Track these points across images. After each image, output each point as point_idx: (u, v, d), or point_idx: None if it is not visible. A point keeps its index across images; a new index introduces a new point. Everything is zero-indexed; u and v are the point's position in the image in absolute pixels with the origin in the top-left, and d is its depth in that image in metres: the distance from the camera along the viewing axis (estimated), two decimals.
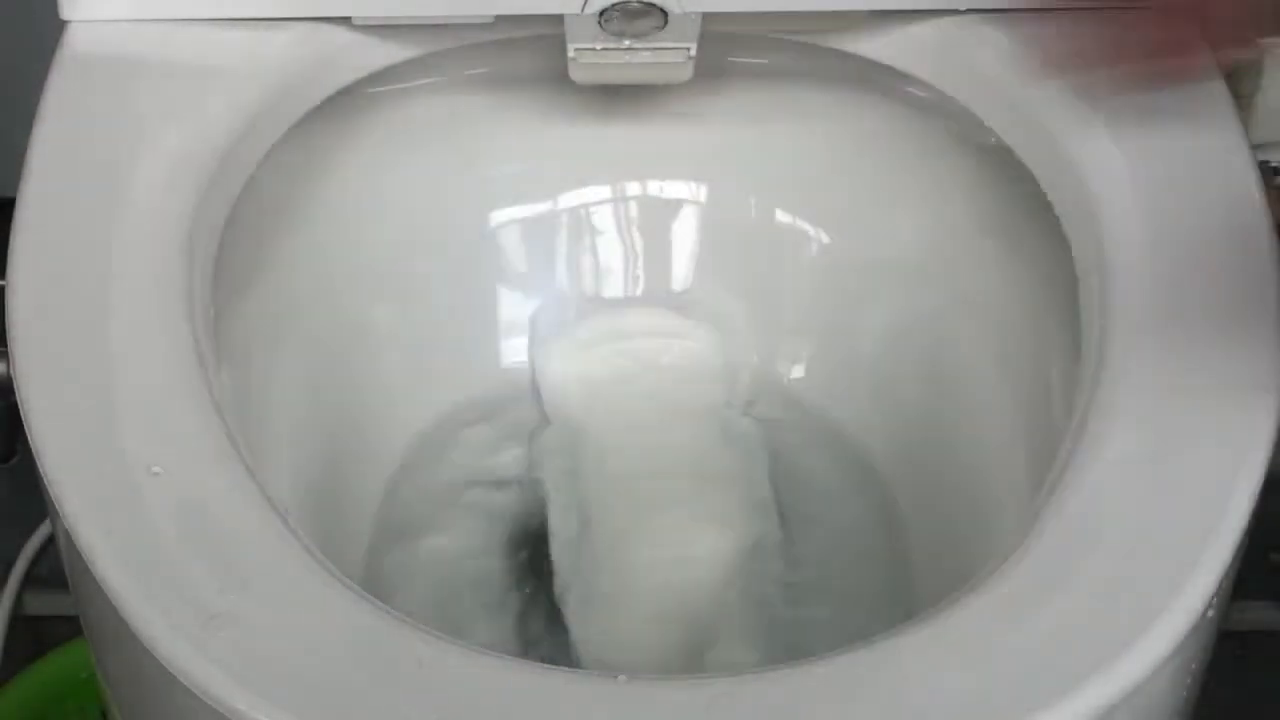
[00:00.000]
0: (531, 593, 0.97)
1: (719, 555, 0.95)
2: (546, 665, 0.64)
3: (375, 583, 0.95)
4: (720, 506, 0.98)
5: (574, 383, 1.03)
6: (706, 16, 0.89)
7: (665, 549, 0.96)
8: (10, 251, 0.76)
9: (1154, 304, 0.75)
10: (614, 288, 1.07)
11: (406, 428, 1.03)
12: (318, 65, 0.87)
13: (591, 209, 1.06)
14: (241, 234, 0.85)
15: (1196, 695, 0.74)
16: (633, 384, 1.04)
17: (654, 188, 1.06)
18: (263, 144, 0.85)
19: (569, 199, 1.06)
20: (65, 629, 1.14)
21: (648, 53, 0.90)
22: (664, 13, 0.88)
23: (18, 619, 1.23)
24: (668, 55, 0.91)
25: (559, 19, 0.89)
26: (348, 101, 0.93)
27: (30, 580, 1.24)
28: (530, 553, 0.99)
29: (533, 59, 0.97)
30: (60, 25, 0.86)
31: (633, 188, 1.06)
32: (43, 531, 1.24)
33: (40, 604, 1.25)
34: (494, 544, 0.99)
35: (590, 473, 0.99)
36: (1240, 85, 1.24)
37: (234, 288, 0.87)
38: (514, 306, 1.06)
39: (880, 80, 0.94)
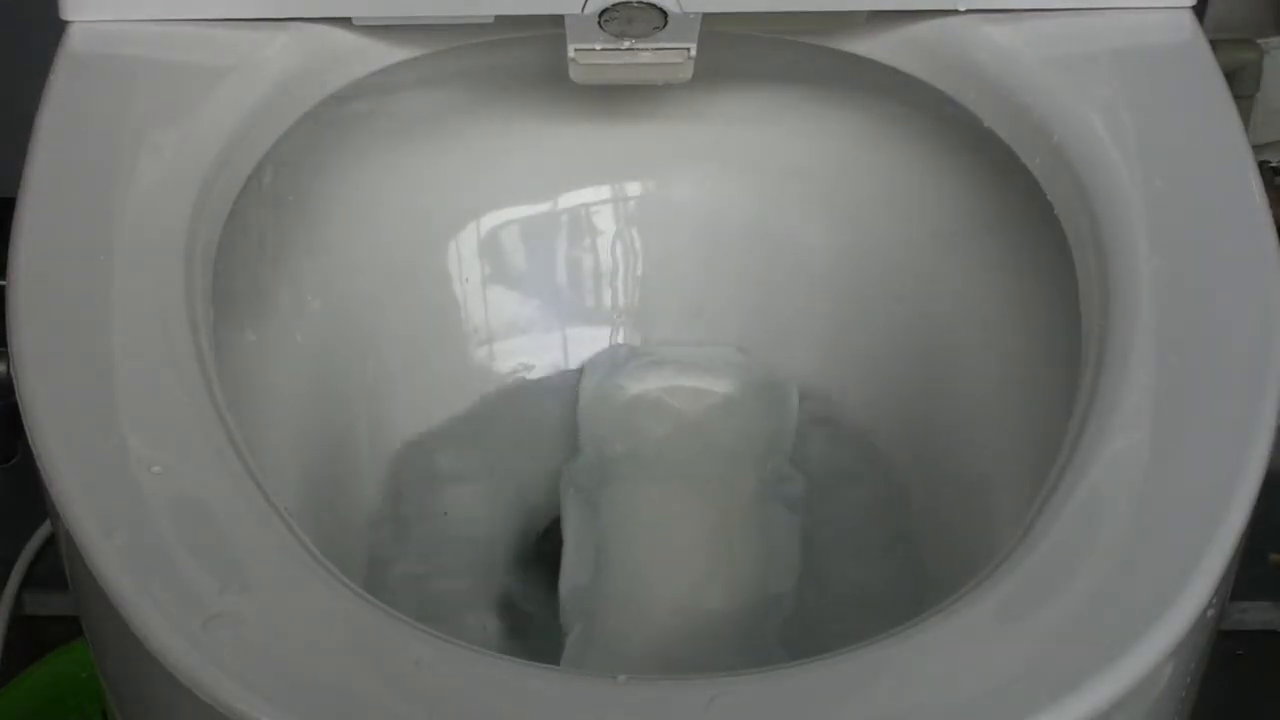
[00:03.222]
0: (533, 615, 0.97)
1: (728, 613, 0.95)
2: (545, 665, 0.64)
3: (376, 588, 0.95)
4: (740, 562, 0.97)
5: (612, 418, 1.03)
6: (706, 16, 0.89)
7: (675, 600, 0.95)
8: (10, 251, 0.76)
9: (1153, 304, 0.75)
10: (614, 289, 1.07)
11: (406, 426, 1.03)
12: (318, 65, 0.87)
13: (591, 209, 1.06)
14: (241, 233, 0.85)
15: (1196, 695, 0.74)
16: (671, 427, 1.03)
17: (654, 188, 1.06)
18: (262, 144, 0.85)
19: (569, 199, 1.06)
20: (65, 629, 1.14)
21: (648, 53, 0.90)
22: (664, 13, 0.88)
23: (18, 619, 1.23)
24: (668, 55, 0.91)
25: (559, 19, 0.89)
26: (348, 101, 0.93)
27: (30, 580, 1.24)
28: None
29: (533, 59, 0.97)
30: (60, 25, 0.86)
31: (633, 188, 1.06)
32: (43, 531, 1.24)
33: (40, 604, 1.25)
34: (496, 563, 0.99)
35: (612, 511, 0.98)
36: (1240, 85, 1.25)
37: (234, 287, 0.87)
38: (514, 306, 1.07)
39: (880, 80, 0.94)
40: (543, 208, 1.06)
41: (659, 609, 0.95)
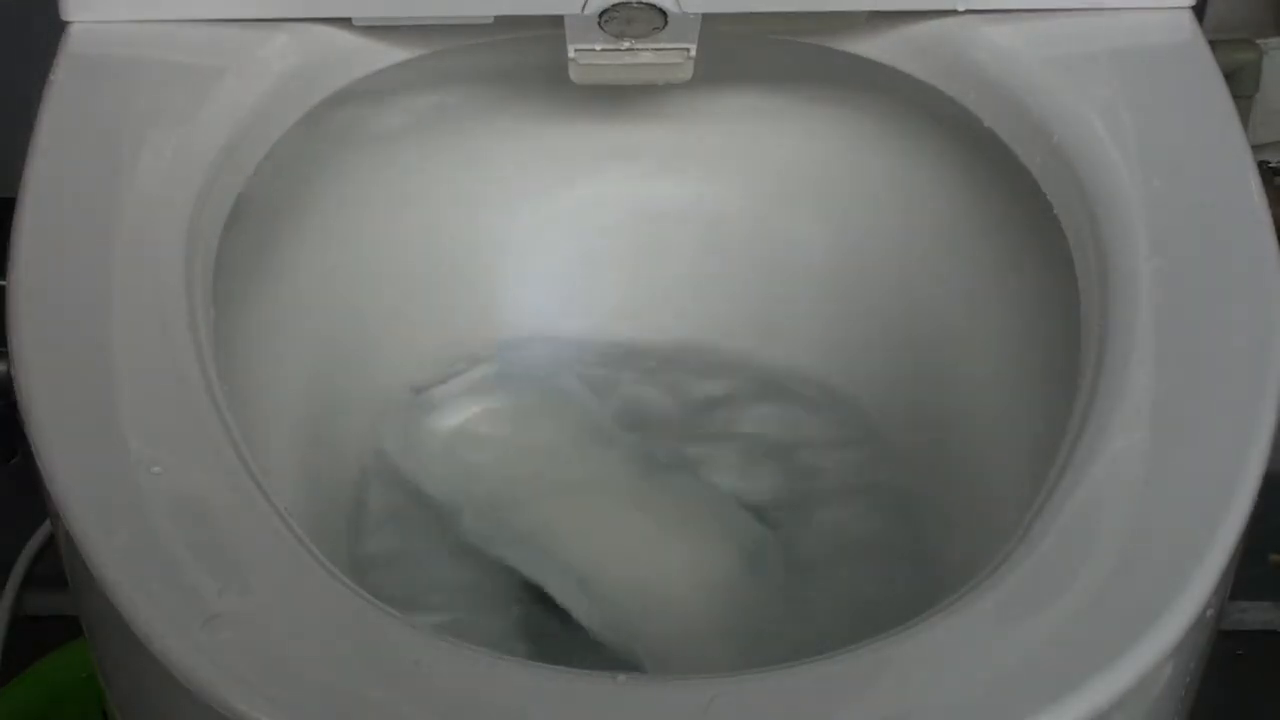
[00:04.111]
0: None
1: (728, 569, 0.95)
2: (545, 665, 0.64)
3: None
4: (695, 527, 0.98)
5: (445, 476, 1.00)
6: (706, 16, 0.89)
7: (678, 584, 0.96)
8: (10, 251, 0.76)
9: (1153, 303, 0.75)
10: (614, 288, 1.08)
11: (405, 426, 1.03)
12: (317, 65, 0.87)
13: (590, 208, 1.06)
14: (241, 234, 0.85)
15: (1195, 695, 0.74)
16: (500, 451, 1.02)
17: (654, 188, 1.06)
18: (262, 144, 0.85)
19: (568, 198, 1.06)
20: (65, 629, 1.14)
21: (647, 53, 0.90)
22: (664, 13, 0.88)
23: (18, 619, 1.23)
24: (668, 55, 0.91)
25: (559, 19, 0.89)
26: (347, 101, 0.93)
27: (30, 580, 1.24)
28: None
29: (532, 59, 0.97)
30: (60, 25, 0.86)
31: (632, 187, 1.06)
32: (43, 531, 1.24)
33: (40, 604, 1.25)
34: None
35: (543, 540, 0.97)
36: (1240, 85, 1.25)
37: (235, 287, 0.87)
38: (513, 305, 1.07)
39: (880, 80, 0.94)
40: (541, 207, 1.06)
41: (682, 594, 0.95)
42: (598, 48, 0.90)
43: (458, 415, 1.03)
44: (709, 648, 0.93)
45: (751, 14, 0.90)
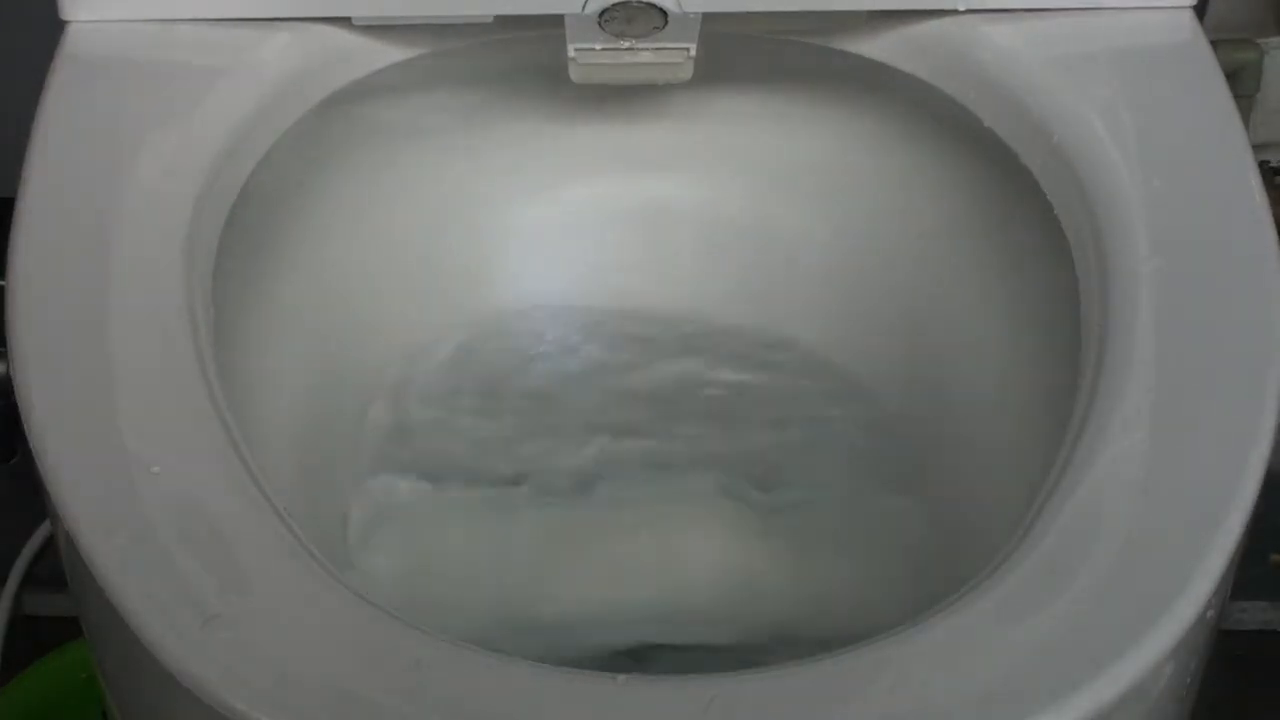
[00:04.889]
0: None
1: (741, 519, 0.96)
2: (545, 665, 0.64)
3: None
4: (676, 510, 0.98)
5: (437, 590, 0.96)
6: (706, 16, 0.89)
7: (706, 558, 0.96)
8: (10, 252, 0.76)
9: (1153, 304, 0.75)
10: (613, 286, 1.08)
11: (405, 425, 1.03)
12: (317, 65, 0.88)
13: (590, 209, 1.06)
14: (241, 233, 0.85)
15: (1196, 695, 0.74)
16: (458, 545, 0.99)
17: (654, 188, 1.06)
18: (262, 144, 0.85)
19: (568, 198, 1.06)
20: (65, 629, 1.14)
21: (648, 53, 0.90)
22: (664, 13, 0.88)
23: (18, 619, 1.23)
24: (668, 55, 0.91)
25: (559, 19, 0.89)
26: (347, 100, 0.93)
27: (30, 580, 1.24)
28: None
29: (532, 59, 0.97)
30: (60, 25, 0.86)
31: (632, 187, 1.06)
32: (43, 531, 1.24)
33: (40, 604, 1.25)
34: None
35: (612, 604, 0.96)
36: (1240, 85, 1.25)
37: (234, 287, 0.87)
38: (513, 303, 1.07)
39: (880, 80, 0.94)
40: (541, 207, 1.06)
41: (708, 572, 0.96)
42: (598, 47, 0.90)
43: (383, 556, 0.97)
44: (804, 591, 0.94)
45: (751, 14, 0.90)
